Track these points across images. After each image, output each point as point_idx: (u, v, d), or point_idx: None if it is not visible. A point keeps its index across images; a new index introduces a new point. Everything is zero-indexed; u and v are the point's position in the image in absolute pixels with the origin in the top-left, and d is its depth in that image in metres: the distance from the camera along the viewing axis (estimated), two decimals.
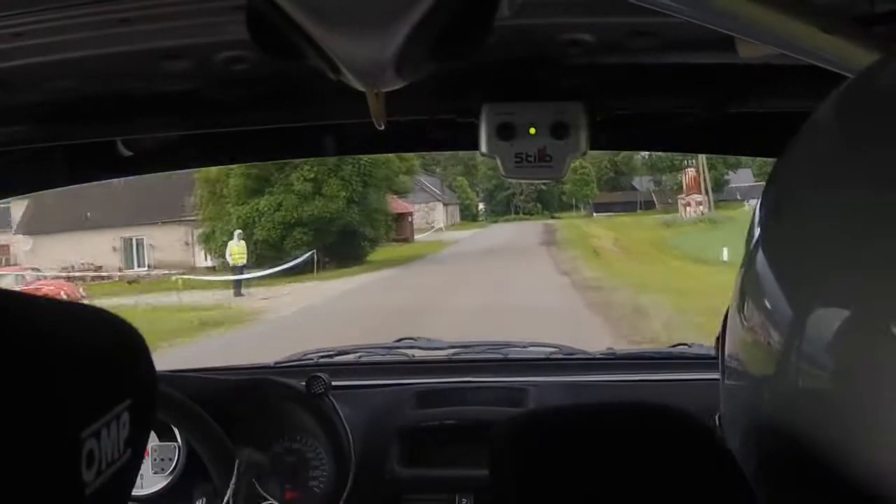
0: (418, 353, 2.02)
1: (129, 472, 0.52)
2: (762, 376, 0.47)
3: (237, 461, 1.44)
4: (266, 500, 1.48)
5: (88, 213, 24.01)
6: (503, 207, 56.67)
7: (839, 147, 0.44)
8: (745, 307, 0.50)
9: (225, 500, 1.39)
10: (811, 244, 0.43)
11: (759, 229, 0.50)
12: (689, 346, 1.98)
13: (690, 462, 0.61)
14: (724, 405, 0.58)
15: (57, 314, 0.49)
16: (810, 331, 0.42)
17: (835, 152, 0.44)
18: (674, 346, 2.01)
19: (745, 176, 41.67)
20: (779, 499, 0.48)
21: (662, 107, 1.15)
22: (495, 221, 51.36)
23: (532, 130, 1.08)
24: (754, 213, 0.52)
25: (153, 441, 1.56)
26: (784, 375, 0.44)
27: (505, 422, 0.68)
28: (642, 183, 54.40)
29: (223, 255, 20.03)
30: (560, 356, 1.95)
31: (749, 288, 0.49)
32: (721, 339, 0.59)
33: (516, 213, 55.14)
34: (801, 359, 0.43)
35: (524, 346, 2.03)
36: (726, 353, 0.56)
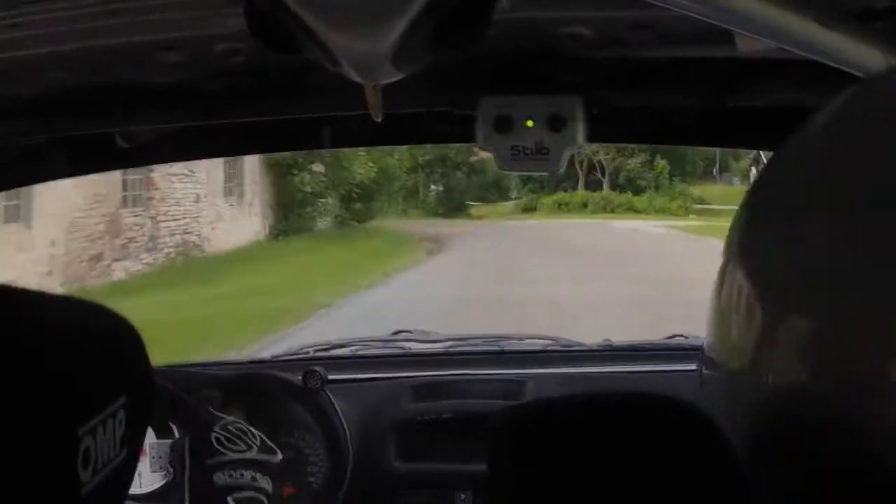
0: (414, 346, 2.02)
1: (126, 470, 0.52)
2: (739, 375, 0.48)
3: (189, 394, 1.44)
4: (225, 419, 1.44)
5: None
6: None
7: (831, 156, 0.45)
8: (723, 306, 0.50)
9: (178, 435, 1.37)
10: (791, 248, 0.44)
11: (741, 227, 0.50)
12: (686, 338, 1.98)
13: (689, 451, 0.62)
14: (704, 398, 0.58)
15: (52, 308, 0.49)
16: (786, 333, 0.42)
17: (826, 161, 0.45)
18: (670, 336, 2.02)
19: None
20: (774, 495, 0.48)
21: (660, 100, 1.15)
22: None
23: (529, 123, 1.09)
24: (739, 210, 0.51)
25: (150, 438, 1.55)
26: (760, 372, 0.45)
27: (502, 414, 0.68)
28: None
29: None
30: (557, 348, 1.95)
31: (728, 285, 0.50)
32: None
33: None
34: (775, 356, 0.43)
35: (521, 339, 2.03)
36: (707, 347, 0.57)
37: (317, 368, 1.64)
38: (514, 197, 28.37)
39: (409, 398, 1.74)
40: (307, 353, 1.96)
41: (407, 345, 2.03)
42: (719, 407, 0.54)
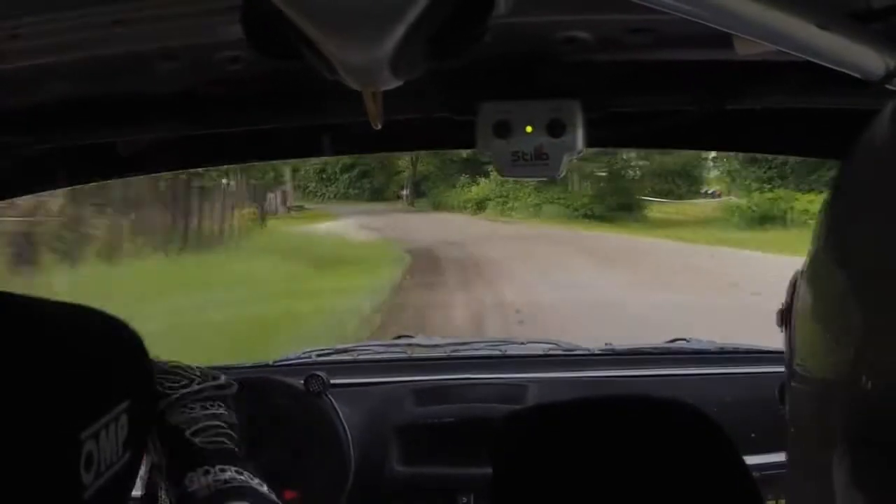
0: (416, 351, 2.02)
1: (129, 473, 0.52)
2: (838, 376, 0.46)
3: None
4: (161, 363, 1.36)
5: None
6: None
7: None
8: (818, 309, 0.49)
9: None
10: (887, 245, 0.43)
11: (828, 230, 0.49)
12: (688, 341, 1.98)
13: (692, 454, 0.62)
14: (797, 407, 0.57)
15: (56, 315, 0.49)
16: (887, 330, 0.41)
17: None
18: (672, 340, 2.02)
19: None
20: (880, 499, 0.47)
21: (659, 104, 1.15)
22: None
23: (528, 128, 1.09)
24: (824, 208, 0.51)
25: None
26: (866, 375, 0.43)
27: (506, 417, 0.68)
28: None
29: None
30: (559, 352, 1.95)
31: (821, 287, 0.49)
32: (787, 310, 0.58)
33: None
34: (880, 357, 0.42)
35: (522, 343, 2.03)
36: (798, 353, 0.55)
37: (319, 373, 1.64)
38: (708, 192, 18.22)
39: (411, 402, 1.74)
40: (309, 357, 1.96)
41: (409, 349, 2.03)
42: (810, 413, 0.53)
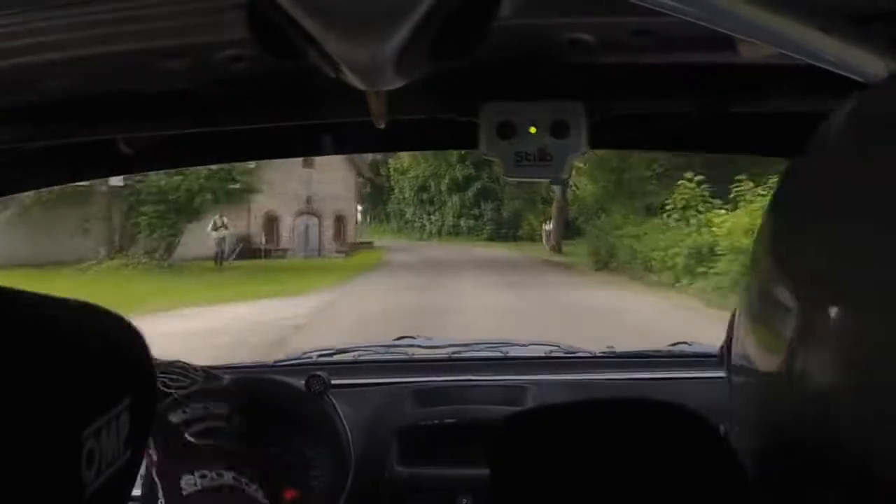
0: (417, 352, 2.02)
1: (129, 471, 0.52)
2: (774, 379, 0.47)
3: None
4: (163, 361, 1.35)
5: None
6: None
7: (864, 157, 0.45)
8: (756, 310, 0.50)
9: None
10: (831, 248, 0.44)
11: (772, 230, 0.50)
12: (690, 345, 1.98)
13: (690, 457, 0.62)
14: (734, 407, 0.58)
15: (56, 312, 0.49)
16: (823, 331, 0.42)
17: (859, 162, 0.45)
18: (674, 344, 2.02)
19: None
20: (789, 499, 0.48)
21: (663, 106, 1.15)
22: None
23: (532, 129, 1.09)
24: (766, 214, 0.52)
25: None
26: (798, 377, 0.44)
27: (505, 419, 0.68)
28: None
29: None
30: (560, 354, 1.96)
31: (760, 290, 0.50)
32: (728, 343, 0.59)
33: None
34: (815, 359, 0.43)
35: (524, 345, 2.03)
36: (736, 354, 0.56)
37: (320, 373, 1.64)
38: None
39: (411, 403, 1.74)
40: (310, 357, 1.96)
41: (410, 350, 2.03)
42: (748, 412, 0.54)
